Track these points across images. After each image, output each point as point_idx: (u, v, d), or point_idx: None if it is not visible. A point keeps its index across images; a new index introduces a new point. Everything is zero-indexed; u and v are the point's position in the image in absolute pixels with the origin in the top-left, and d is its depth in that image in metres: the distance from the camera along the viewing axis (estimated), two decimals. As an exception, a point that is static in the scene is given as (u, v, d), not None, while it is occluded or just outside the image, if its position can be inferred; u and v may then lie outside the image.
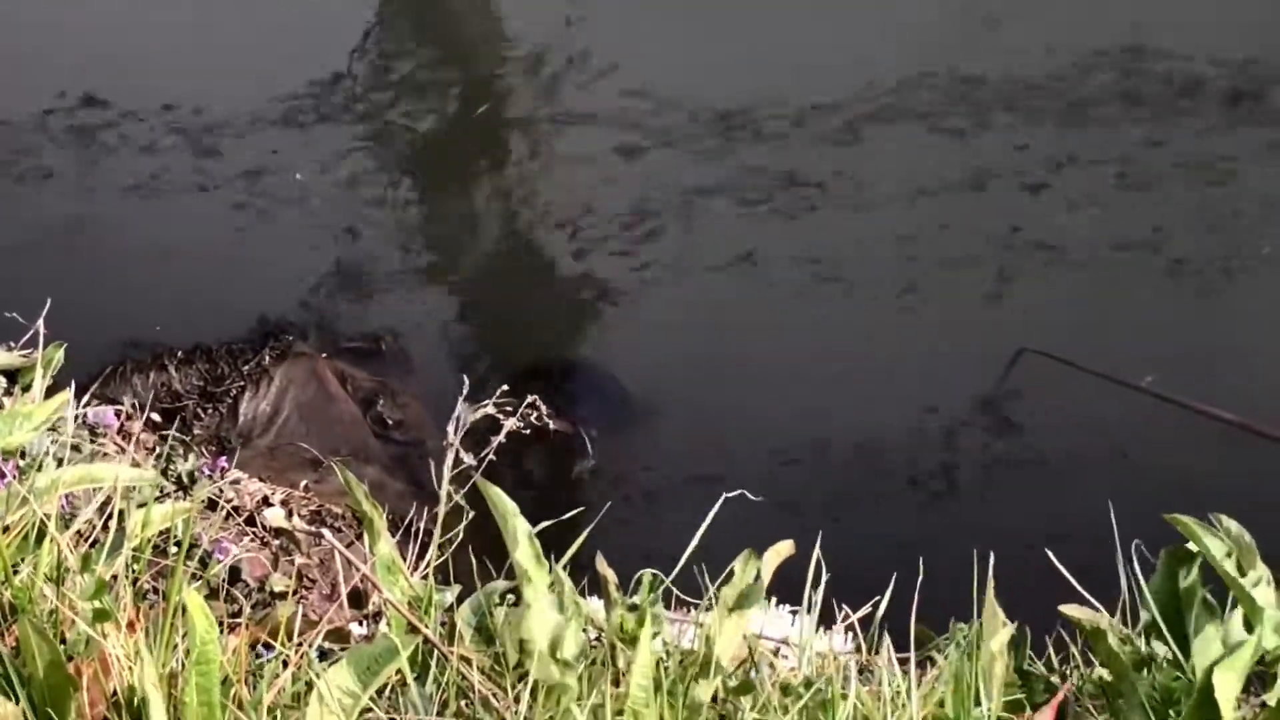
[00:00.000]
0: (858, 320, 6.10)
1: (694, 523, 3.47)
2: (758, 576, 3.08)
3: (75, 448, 3.82)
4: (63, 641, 2.61)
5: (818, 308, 6.16)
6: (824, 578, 3.20)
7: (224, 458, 4.36)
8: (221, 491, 4.86)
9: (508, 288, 6.44)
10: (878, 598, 3.48)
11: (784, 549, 3.16)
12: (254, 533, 4.75)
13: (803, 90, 6.90)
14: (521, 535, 2.96)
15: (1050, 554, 3.41)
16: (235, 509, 4.79)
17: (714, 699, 2.78)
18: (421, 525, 3.89)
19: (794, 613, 4.02)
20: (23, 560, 2.89)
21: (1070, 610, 3.03)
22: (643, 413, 5.92)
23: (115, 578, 2.80)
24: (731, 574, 3.22)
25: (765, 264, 6.32)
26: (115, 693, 2.57)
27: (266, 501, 5.10)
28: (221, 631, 3.84)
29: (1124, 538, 3.29)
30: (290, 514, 5.12)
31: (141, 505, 3.25)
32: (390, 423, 5.80)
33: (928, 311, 6.10)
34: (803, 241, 6.38)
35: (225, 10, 7.41)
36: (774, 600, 4.00)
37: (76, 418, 4.05)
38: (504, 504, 3.04)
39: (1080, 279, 6.19)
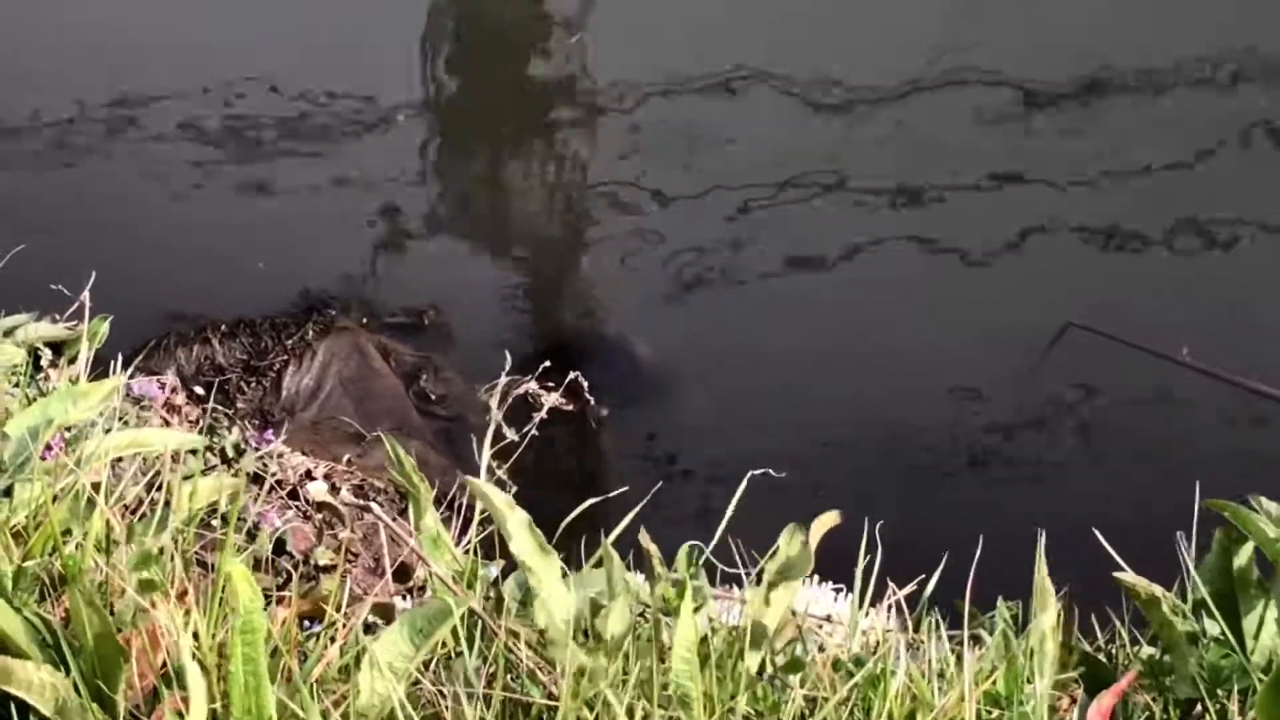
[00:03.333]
0: (894, 298, 6.09)
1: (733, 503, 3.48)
2: (805, 545, 3.06)
3: (122, 420, 3.82)
4: (111, 612, 2.61)
5: (858, 286, 6.15)
6: (869, 556, 3.18)
7: (269, 430, 4.36)
8: (265, 465, 4.88)
9: (552, 262, 6.43)
10: (924, 575, 3.49)
11: (829, 519, 3.14)
12: (297, 506, 4.77)
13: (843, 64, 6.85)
14: (518, 527, 2.95)
15: (1096, 532, 3.41)
16: (279, 482, 4.81)
17: (760, 673, 2.77)
18: (464, 500, 3.90)
19: (837, 590, 4.03)
20: (71, 531, 2.90)
21: (1125, 578, 3.02)
22: (684, 391, 5.92)
23: (162, 550, 2.80)
24: (776, 550, 3.22)
25: (806, 244, 6.29)
26: (165, 664, 2.58)
27: (310, 475, 5.11)
28: (269, 604, 3.87)
29: (1174, 518, 3.29)
30: (334, 488, 5.14)
31: (188, 478, 3.25)
32: (433, 397, 5.80)
33: (965, 289, 6.08)
34: (846, 223, 6.35)
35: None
36: (816, 578, 4.01)
37: (122, 391, 4.05)
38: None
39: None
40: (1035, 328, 5.85)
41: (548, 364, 4.03)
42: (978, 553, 3.25)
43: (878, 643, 3.02)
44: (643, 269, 6.31)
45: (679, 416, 5.87)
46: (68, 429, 3.30)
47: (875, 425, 5.74)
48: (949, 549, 3.45)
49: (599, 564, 3.31)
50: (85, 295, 4.30)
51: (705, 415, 5.84)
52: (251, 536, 3.82)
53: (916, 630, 3.25)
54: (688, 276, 6.23)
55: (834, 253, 6.25)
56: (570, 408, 4.33)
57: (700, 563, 3.02)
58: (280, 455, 5.10)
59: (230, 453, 4.36)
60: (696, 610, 2.73)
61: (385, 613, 3.66)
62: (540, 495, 3.99)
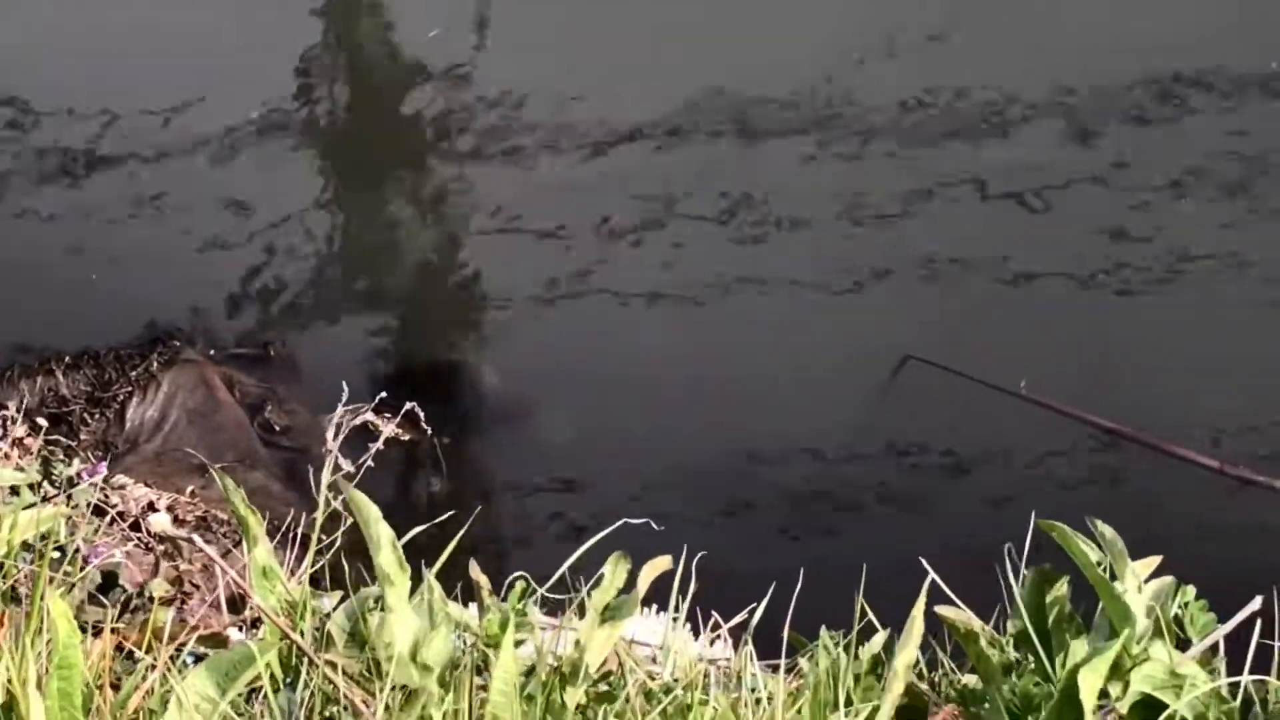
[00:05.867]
0: (736, 333, 6.13)
1: (581, 535, 3.52)
2: (632, 586, 3.11)
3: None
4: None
5: (703, 319, 6.19)
6: (693, 586, 3.23)
7: (104, 462, 4.34)
8: (108, 497, 4.86)
9: (401, 295, 6.44)
10: (753, 605, 3.54)
11: (661, 563, 3.20)
12: (139, 538, 4.75)
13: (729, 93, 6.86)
14: (384, 540, 2.97)
15: (924, 562, 3.46)
16: (121, 514, 4.79)
17: (580, 707, 2.81)
18: (302, 531, 3.91)
19: (675, 619, 4.07)
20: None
21: (945, 612, 3.07)
22: (529, 422, 5.95)
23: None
24: (601, 579, 3.27)
25: (671, 273, 6.32)
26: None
27: (152, 507, 5.10)
28: (97, 636, 3.85)
29: (1013, 543, 3.35)
30: (177, 519, 5.13)
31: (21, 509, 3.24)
32: (278, 429, 5.80)
33: (807, 320, 6.14)
34: (721, 255, 6.37)
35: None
36: (653, 607, 4.06)
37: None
38: (367, 509, 3.06)
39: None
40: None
41: (384, 395, 4.05)
42: (797, 587, 3.31)
43: (703, 673, 3.06)
44: (500, 296, 6.33)
45: (529, 443, 5.90)
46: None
47: (729, 455, 5.79)
48: (780, 580, 3.50)
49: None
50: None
51: (559, 439, 5.87)
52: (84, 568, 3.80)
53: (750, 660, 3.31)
54: (542, 301, 6.26)
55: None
56: (407, 437, 4.36)
57: (529, 594, 3.06)
58: (123, 487, 5.08)
59: (67, 485, 4.33)
60: (520, 644, 2.76)
61: (219, 643, 3.67)
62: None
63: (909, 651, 2.87)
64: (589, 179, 6.61)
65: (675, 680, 2.92)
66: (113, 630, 3.81)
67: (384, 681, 2.84)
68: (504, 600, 3.24)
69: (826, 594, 3.43)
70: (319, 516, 3.77)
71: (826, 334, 6.07)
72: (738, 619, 3.62)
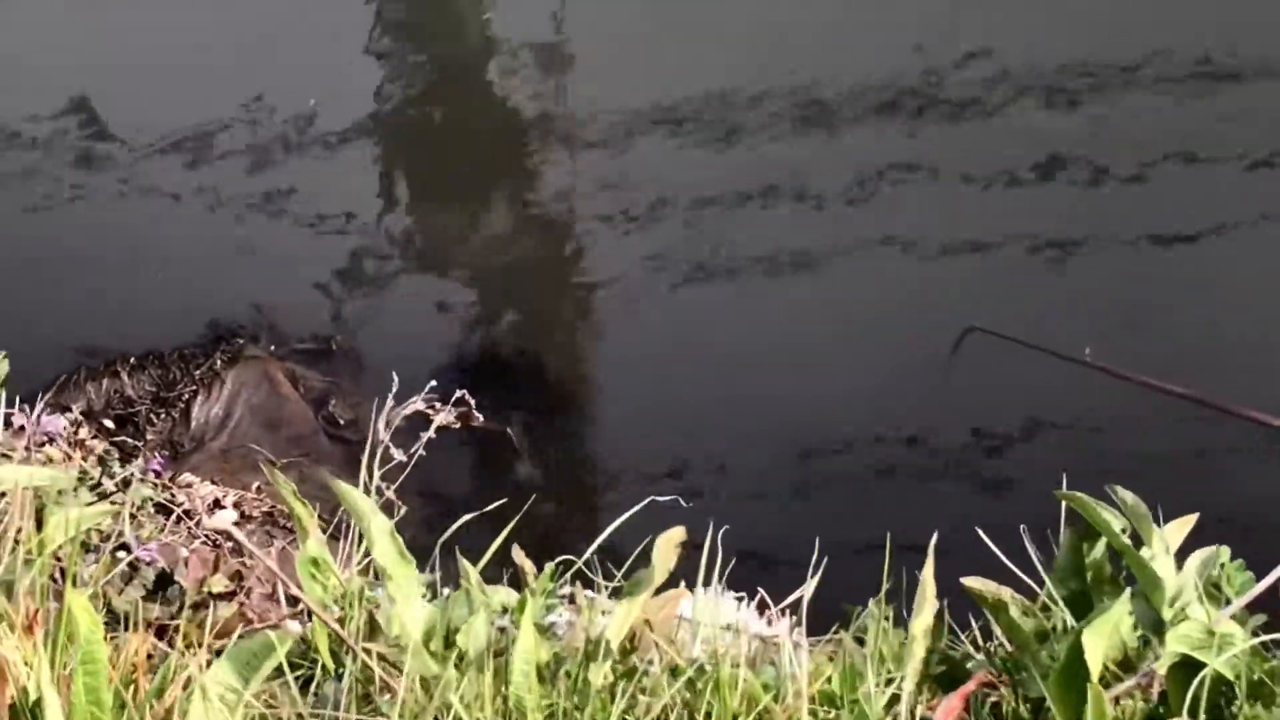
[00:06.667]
0: (795, 306, 6.12)
1: (641, 514, 3.54)
2: (664, 557, 3.12)
3: (4, 455, 3.85)
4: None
5: (757, 296, 6.19)
6: (730, 561, 3.24)
7: (159, 460, 4.38)
8: (174, 495, 4.90)
9: (462, 286, 6.44)
10: (811, 581, 3.54)
11: (675, 535, 3.19)
12: (205, 535, 4.80)
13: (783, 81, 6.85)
14: (379, 533, 2.99)
15: (981, 532, 3.44)
16: (187, 512, 4.83)
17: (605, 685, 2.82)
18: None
19: (739, 599, 4.08)
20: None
21: (971, 583, 3.05)
22: (589, 408, 5.96)
23: (12, 582, 2.83)
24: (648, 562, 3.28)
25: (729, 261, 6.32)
26: (11, 696, 2.60)
27: (218, 504, 5.14)
28: (162, 635, 3.90)
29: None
30: (243, 515, 5.17)
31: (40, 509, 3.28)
32: (342, 422, 5.83)
33: (866, 294, 6.12)
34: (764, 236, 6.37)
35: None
36: (721, 585, 4.06)
37: (8, 425, 4.09)
38: (359, 503, 3.08)
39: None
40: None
41: (433, 384, 4.06)
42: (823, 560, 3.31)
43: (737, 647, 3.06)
44: (560, 282, 6.35)
45: (576, 431, 5.92)
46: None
47: (791, 428, 5.78)
48: (839, 555, 3.50)
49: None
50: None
51: (607, 429, 5.89)
52: (134, 567, 3.85)
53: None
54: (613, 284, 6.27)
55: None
56: (482, 425, 4.38)
57: (559, 575, 3.08)
58: (189, 485, 5.13)
59: (121, 485, 4.38)
60: (549, 627, 2.78)
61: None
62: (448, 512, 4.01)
63: (924, 617, 2.86)
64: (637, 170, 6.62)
65: (710, 656, 2.91)
66: (168, 626, 3.87)
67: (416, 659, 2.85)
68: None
69: (904, 565, 3.42)
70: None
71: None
72: (794, 596, 3.63)
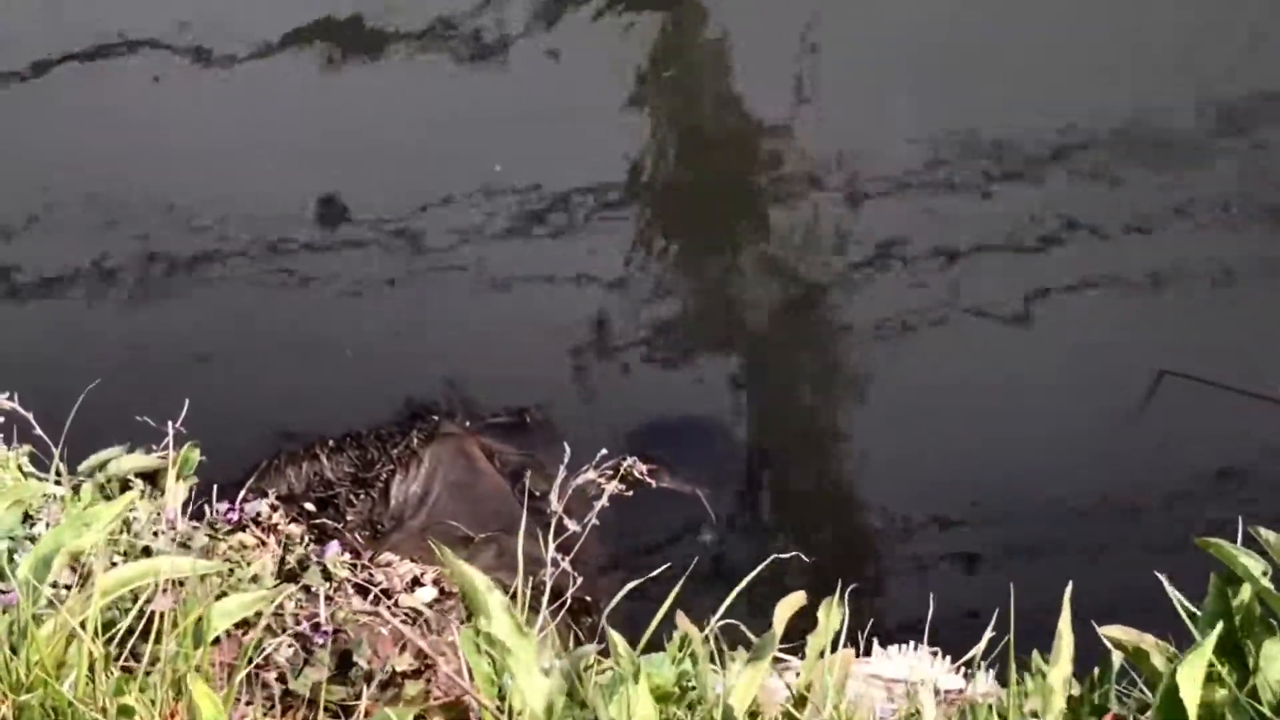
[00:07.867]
0: (982, 350, 6.01)
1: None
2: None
3: (184, 544, 3.87)
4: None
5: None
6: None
7: (333, 544, 4.40)
8: (371, 575, 4.92)
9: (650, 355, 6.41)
10: (992, 635, 3.49)
11: (796, 600, 3.18)
12: (404, 614, 4.81)
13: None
14: (496, 608, 2.97)
15: (1162, 578, 3.34)
16: (385, 591, 4.85)
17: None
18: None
19: (934, 653, 4.01)
20: (64, 665, 2.94)
21: (1111, 631, 3.01)
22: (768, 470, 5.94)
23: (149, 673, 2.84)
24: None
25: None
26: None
27: (417, 582, 5.15)
28: (348, 715, 3.90)
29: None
30: (442, 592, 5.17)
31: (220, 596, 3.29)
32: (538, 495, 5.83)
33: (1057, 338, 5.99)
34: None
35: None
36: (914, 644, 4.00)
37: (192, 512, 4.14)
38: (471, 579, 3.06)
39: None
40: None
41: (604, 452, 4.07)
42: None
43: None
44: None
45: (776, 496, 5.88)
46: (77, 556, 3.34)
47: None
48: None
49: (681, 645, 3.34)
50: (170, 425, 4.39)
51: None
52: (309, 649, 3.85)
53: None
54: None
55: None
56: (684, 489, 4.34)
57: (687, 646, 3.04)
58: (388, 564, 5.15)
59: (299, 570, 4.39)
60: (689, 690, 2.73)
61: (459, 713, 3.69)
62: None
63: (1061, 666, 2.80)
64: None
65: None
66: (352, 706, 3.87)
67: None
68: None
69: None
70: (548, 579, 3.81)
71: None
72: (974, 650, 3.61)
